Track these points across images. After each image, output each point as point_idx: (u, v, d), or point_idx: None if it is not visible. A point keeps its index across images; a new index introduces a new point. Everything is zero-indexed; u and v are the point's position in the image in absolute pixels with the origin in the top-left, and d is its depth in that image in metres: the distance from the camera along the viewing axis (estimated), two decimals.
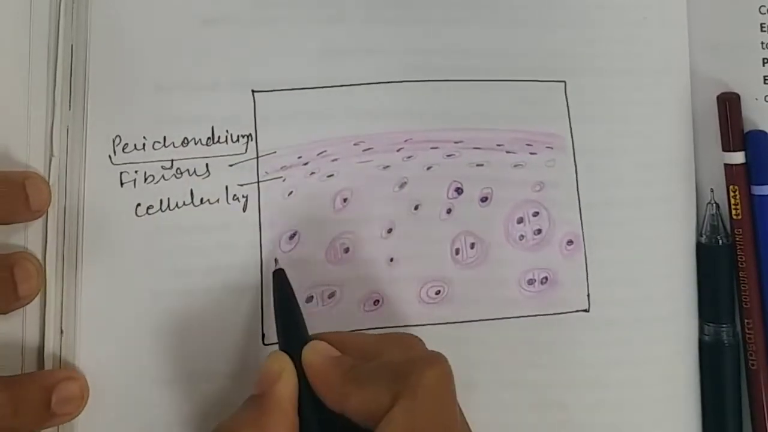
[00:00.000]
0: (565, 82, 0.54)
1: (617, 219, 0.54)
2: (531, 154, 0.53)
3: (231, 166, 0.50)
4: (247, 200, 0.50)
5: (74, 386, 0.47)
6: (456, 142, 0.52)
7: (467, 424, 0.44)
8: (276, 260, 0.49)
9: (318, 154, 0.51)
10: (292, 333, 0.46)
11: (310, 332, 0.46)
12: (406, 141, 0.52)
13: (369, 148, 0.52)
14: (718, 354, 0.55)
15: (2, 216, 0.47)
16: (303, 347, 0.44)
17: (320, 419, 0.43)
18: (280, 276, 0.48)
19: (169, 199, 0.49)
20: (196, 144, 0.50)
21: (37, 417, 0.46)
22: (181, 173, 0.50)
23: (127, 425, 0.48)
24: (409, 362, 0.43)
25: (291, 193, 0.51)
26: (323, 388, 0.43)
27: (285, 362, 0.44)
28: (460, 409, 0.44)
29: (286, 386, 0.43)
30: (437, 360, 0.43)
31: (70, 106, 0.49)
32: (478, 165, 0.53)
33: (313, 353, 0.44)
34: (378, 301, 0.51)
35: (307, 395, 0.43)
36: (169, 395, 0.49)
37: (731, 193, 0.55)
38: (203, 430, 0.49)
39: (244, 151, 0.50)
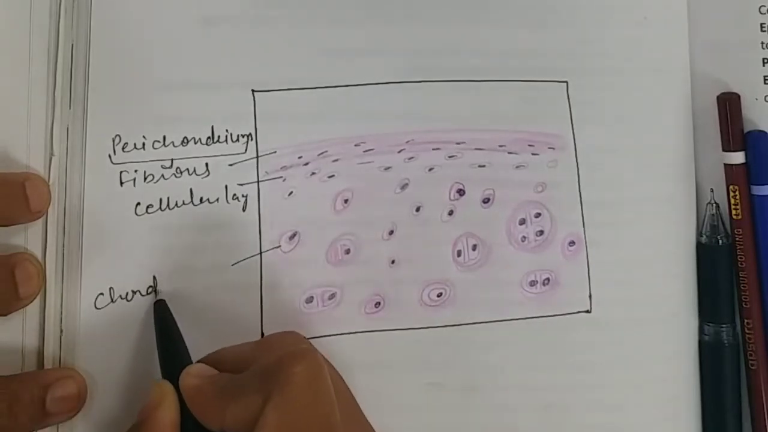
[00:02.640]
0: (567, 82, 0.54)
1: (618, 219, 0.54)
2: (533, 154, 0.53)
3: (231, 165, 0.50)
4: (246, 200, 0.50)
5: (71, 385, 0.47)
6: (458, 143, 0.52)
7: (360, 416, 0.45)
8: (156, 291, 0.48)
9: (318, 155, 0.51)
10: (172, 361, 0.46)
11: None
12: (407, 142, 0.52)
13: (370, 149, 0.51)
14: (718, 354, 0.55)
15: (2, 217, 0.46)
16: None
17: None
18: (160, 306, 0.48)
19: (168, 198, 0.49)
20: (195, 143, 0.50)
21: (32, 416, 0.46)
22: (181, 173, 0.49)
23: (127, 425, 0.48)
24: (277, 361, 0.42)
25: (291, 193, 0.50)
26: (200, 410, 0.43)
27: (166, 389, 0.44)
28: (352, 402, 0.45)
29: (167, 413, 0.43)
30: (304, 354, 0.43)
31: (70, 105, 0.48)
32: (480, 166, 0.52)
33: (188, 377, 0.44)
34: (379, 303, 0.51)
35: (188, 421, 0.43)
36: None
37: (731, 193, 0.55)
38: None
39: (243, 151, 0.50)
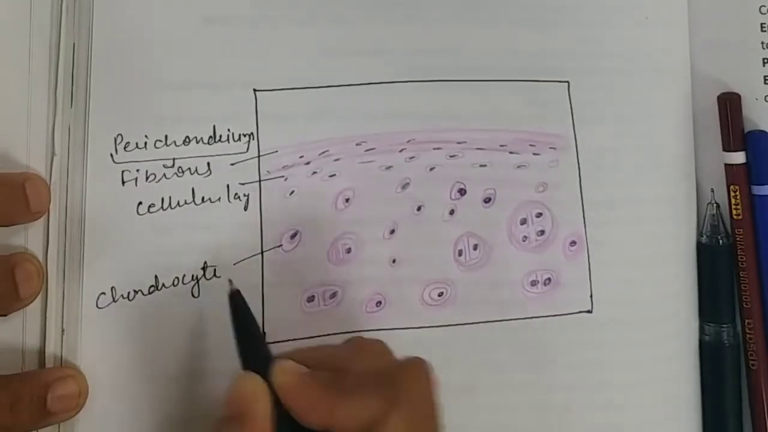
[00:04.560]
0: (568, 82, 0.54)
1: (619, 219, 0.54)
2: (534, 154, 0.53)
3: (232, 165, 0.50)
4: (248, 199, 0.50)
5: (71, 384, 0.47)
6: (459, 143, 0.52)
7: None
8: (230, 281, 0.47)
9: (320, 154, 0.51)
10: (256, 354, 0.45)
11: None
12: (408, 141, 0.52)
13: (371, 149, 0.51)
14: (719, 354, 0.55)
15: (3, 218, 0.46)
16: (267, 368, 0.43)
17: None
18: (237, 298, 0.46)
19: (170, 197, 0.49)
20: (197, 143, 0.50)
21: (33, 415, 0.46)
22: (183, 172, 0.49)
23: (127, 424, 0.48)
24: (398, 369, 0.43)
25: (292, 192, 0.50)
26: (303, 406, 0.42)
27: (258, 383, 0.42)
28: None
29: (264, 407, 0.42)
30: (424, 365, 0.43)
31: (71, 104, 0.48)
32: (481, 166, 0.52)
33: (284, 373, 0.43)
34: (380, 302, 0.51)
35: (283, 416, 0.42)
36: (170, 394, 0.49)
37: (732, 193, 0.55)
38: (204, 429, 0.48)
39: (245, 150, 0.50)
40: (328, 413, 0.41)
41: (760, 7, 0.55)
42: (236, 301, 0.46)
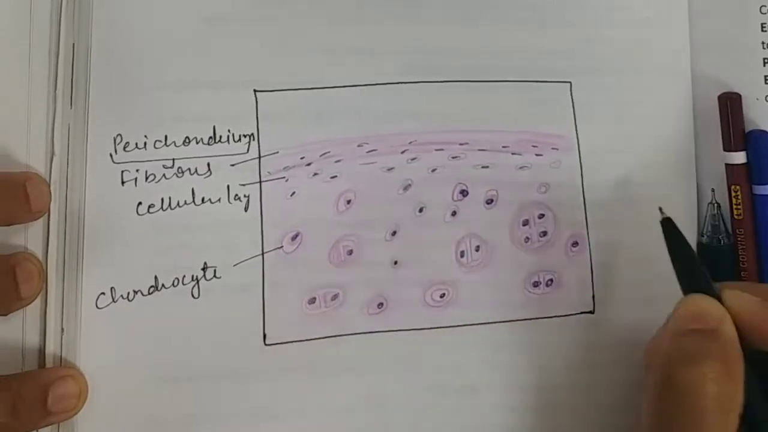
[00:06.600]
0: (570, 82, 0.54)
1: (622, 220, 0.53)
2: (536, 155, 0.53)
3: (233, 165, 0.50)
4: (248, 200, 0.50)
5: (71, 384, 0.47)
6: (461, 144, 0.52)
7: None
8: (660, 209, 0.49)
9: (321, 155, 0.51)
10: (699, 279, 0.47)
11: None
12: (410, 143, 0.52)
13: (373, 150, 0.51)
14: None
15: (4, 217, 0.46)
16: (712, 294, 0.46)
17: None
18: (669, 223, 0.49)
19: (170, 198, 0.49)
20: (197, 143, 0.49)
21: (34, 415, 0.46)
22: (183, 172, 0.49)
23: (127, 424, 0.48)
24: None
25: (293, 193, 0.50)
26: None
27: (720, 306, 0.45)
28: None
29: (731, 327, 0.44)
30: None
31: (71, 104, 0.48)
32: (483, 167, 0.52)
33: (741, 298, 0.45)
34: (382, 304, 0.51)
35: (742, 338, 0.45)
36: (170, 395, 0.48)
37: (733, 193, 0.55)
38: (204, 430, 0.49)
39: (246, 151, 0.50)
40: None
41: (761, 7, 0.55)
42: (669, 228, 0.48)
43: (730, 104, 0.55)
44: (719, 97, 0.55)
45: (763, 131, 0.54)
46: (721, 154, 0.55)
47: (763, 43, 0.55)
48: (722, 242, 0.55)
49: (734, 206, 0.55)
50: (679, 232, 0.48)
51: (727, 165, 0.55)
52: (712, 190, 0.56)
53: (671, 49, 0.56)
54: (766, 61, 0.54)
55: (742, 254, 0.55)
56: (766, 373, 0.45)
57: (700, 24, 0.56)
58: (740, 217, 0.55)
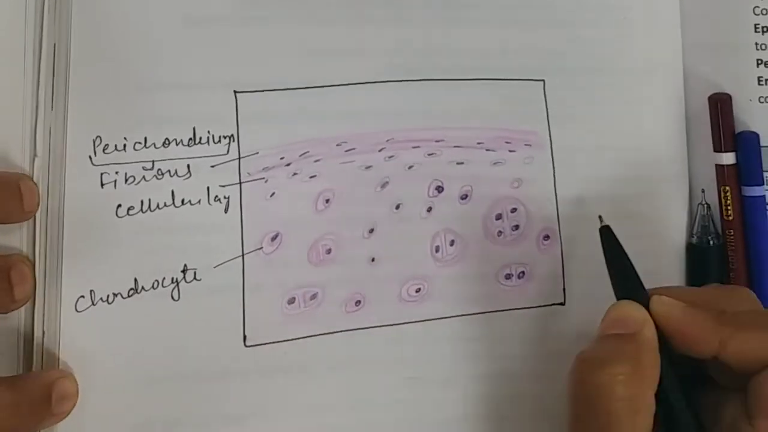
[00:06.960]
0: (543, 81, 0.54)
1: (593, 215, 0.54)
2: (510, 151, 0.53)
3: (213, 167, 0.50)
4: (228, 201, 0.50)
5: (70, 384, 0.47)
6: (437, 141, 0.53)
7: None
8: (600, 217, 0.49)
9: (300, 155, 0.51)
10: (630, 285, 0.47)
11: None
12: (387, 141, 0.52)
13: (351, 149, 0.51)
14: None
15: (2, 216, 0.46)
16: (640, 300, 0.46)
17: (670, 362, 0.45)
18: (607, 233, 0.49)
19: (150, 200, 0.49)
20: (177, 145, 0.49)
21: (38, 415, 0.46)
22: (162, 174, 0.49)
23: (109, 427, 0.48)
24: None
25: (273, 194, 0.50)
26: (690, 335, 0.45)
27: (644, 311, 0.46)
28: None
29: (651, 331, 0.45)
30: None
31: (52, 106, 0.48)
32: (458, 163, 0.53)
33: (666, 304, 0.46)
34: (359, 301, 0.51)
35: (664, 343, 0.45)
36: (151, 397, 0.49)
37: (723, 194, 0.55)
38: (188, 429, 0.49)
39: (225, 152, 0.50)
40: (714, 343, 0.44)
41: (754, 8, 0.55)
42: (607, 235, 0.49)
43: (721, 105, 0.55)
44: (709, 98, 0.55)
45: (754, 132, 0.55)
46: (711, 155, 0.56)
47: (756, 44, 0.55)
48: (712, 243, 0.56)
49: (724, 207, 0.55)
50: (617, 240, 0.49)
51: (717, 166, 0.55)
52: (703, 191, 0.56)
53: (661, 49, 0.56)
54: (759, 62, 0.55)
55: (732, 255, 0.55)
56: (693, 376, 0.46)
57: (692, 24, 0.56)
58: (730, 218, 0.55)
